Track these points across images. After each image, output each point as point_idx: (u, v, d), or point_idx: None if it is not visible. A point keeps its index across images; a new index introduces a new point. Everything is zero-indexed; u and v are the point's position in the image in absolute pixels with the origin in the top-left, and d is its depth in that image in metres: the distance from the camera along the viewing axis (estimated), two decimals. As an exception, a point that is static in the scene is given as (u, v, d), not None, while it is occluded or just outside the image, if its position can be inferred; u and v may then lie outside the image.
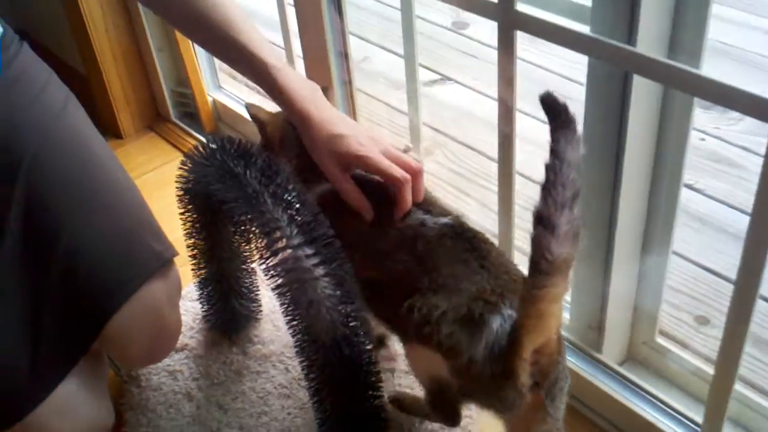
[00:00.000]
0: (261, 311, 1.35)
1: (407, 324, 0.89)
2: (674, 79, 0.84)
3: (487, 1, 0.97)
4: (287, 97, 0.96)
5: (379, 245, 0.95)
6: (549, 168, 0.72)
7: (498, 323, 0.83)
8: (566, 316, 1.22)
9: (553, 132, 0.73)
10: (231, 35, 0.98)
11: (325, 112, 0.96)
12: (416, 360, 0.96)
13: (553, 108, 0.74)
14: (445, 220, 0.95)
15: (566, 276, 0.75)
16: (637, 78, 0.89)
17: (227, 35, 0.98)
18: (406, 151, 0.97)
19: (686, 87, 0.85)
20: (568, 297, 1.21)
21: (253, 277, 1.29)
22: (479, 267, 0.89)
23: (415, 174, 0.95)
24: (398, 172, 0.93)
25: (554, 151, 0.72)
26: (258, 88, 1.03)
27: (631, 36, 0.86)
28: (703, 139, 1.84)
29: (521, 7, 0.94)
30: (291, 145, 1.07)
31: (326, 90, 1.01)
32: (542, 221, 0.72)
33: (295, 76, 0.98)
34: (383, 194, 0.96)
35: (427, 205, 0.98)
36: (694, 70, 0.81)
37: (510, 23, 0.96)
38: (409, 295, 0.89)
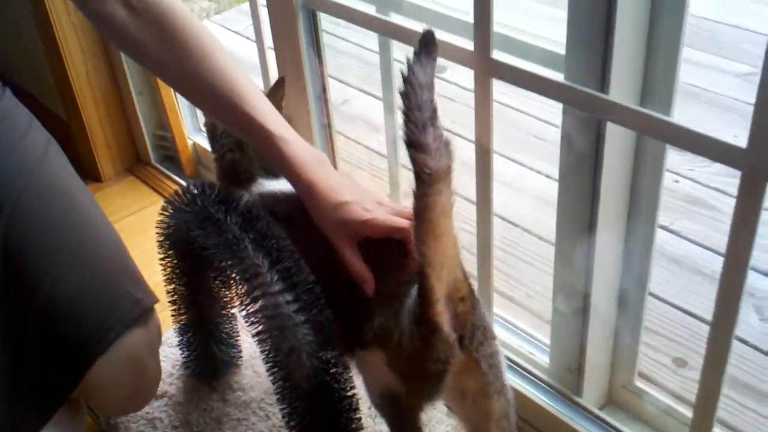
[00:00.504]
0: (241, 357, 1.34)
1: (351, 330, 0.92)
2: (646, 126, 0.86)
3: (463, 49, 0.99)
4: (292, 167, 0.93)
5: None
6: (404, 95, 0.76)
7: (413, 293, 0.84)
8: (545, 359, 1.22)
9: (415, 57, 0.77)
10: (235, 102, 0.94)
11: (330, 180, 0.93)
12: (365, 374, 0.97)
13: (428, 43, 0.79)
14: None
15: (449, 185, 0.78)
16: (611, 123, 0.91)
17: (232, 102, 0.94)
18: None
19: (658, 134, 0.87)
20: (546, 339, 1.22)
21: (233, 322, 1.29)
22: (402, 257, 0.89)
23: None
24: (404, 222, 0.90)
25: (407, 78, 0.76)
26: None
27: (603, 83, 0.88)
28: (677, 181, 1.87)
29: (497, 55, 0.97)
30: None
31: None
32: (413, 145, 0.75)
33: (300, 146, 0.95)
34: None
35: None
36: (665, 118, 0.83)
37: (486, 71, 0.98)
38: (351, 299, 0.92)
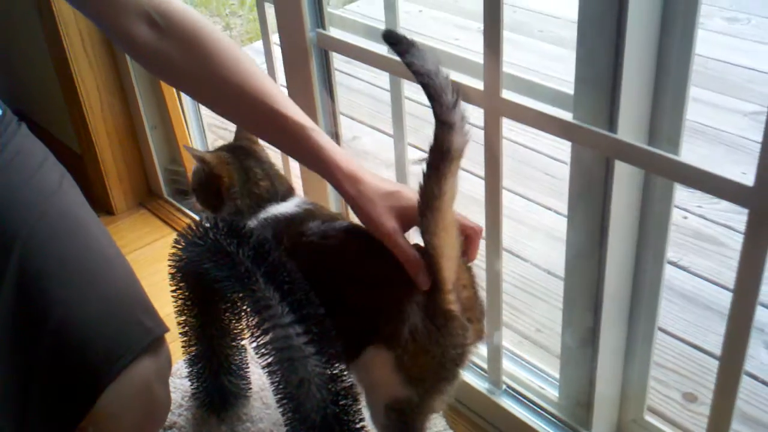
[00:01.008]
0: (250, 389, 1.34)
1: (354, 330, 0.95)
2: (654, 165, 0.87)
3: (474, 88, 1.01)
4: (331, 157, 0.92)
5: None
6: (424, 85, 0.82)
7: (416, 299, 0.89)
8: (554, 393, 1.22)
9: (403, 57, 0.83)
10: (266, 102, 0.93)
11: (367, 171, 0.93)
12: (369, 388, 0.99)
13: (394, 39, 0.84)
14: (343, 223, 1.03)
15: (458, 166, 0.85)
16: (619, 161, 0.92)
17: (263, 102, 0.93)
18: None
19: (665, 172, 0.88)
20: (556, 373, 1.22)
21: (242, 354, 1.30)
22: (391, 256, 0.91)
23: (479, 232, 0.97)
24: (471, 223, 0.94)
25: (417, 72, 0.82)
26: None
27: (612, 123, 0.89)
28: (685, 217, 1.88)
29: (506, 95, 0.98)
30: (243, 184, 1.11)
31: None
32: (443, 123, 0.82)
33: (330, 139, 0.95)
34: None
35: (320, 216, 1.06)
36: (673, 157, 0.85)
37: (496, 110, 1.00)
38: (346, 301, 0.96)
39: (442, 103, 0.81)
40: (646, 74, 0.88)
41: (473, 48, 1.08)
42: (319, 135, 0.93)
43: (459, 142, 0.83)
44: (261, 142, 1.17)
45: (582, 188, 1.00)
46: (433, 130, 0.83)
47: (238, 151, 1.15)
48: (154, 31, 0.92)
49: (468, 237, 0.95)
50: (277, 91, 0.96)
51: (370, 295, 0.95)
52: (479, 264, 1.78)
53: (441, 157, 0.83)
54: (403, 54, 0.82)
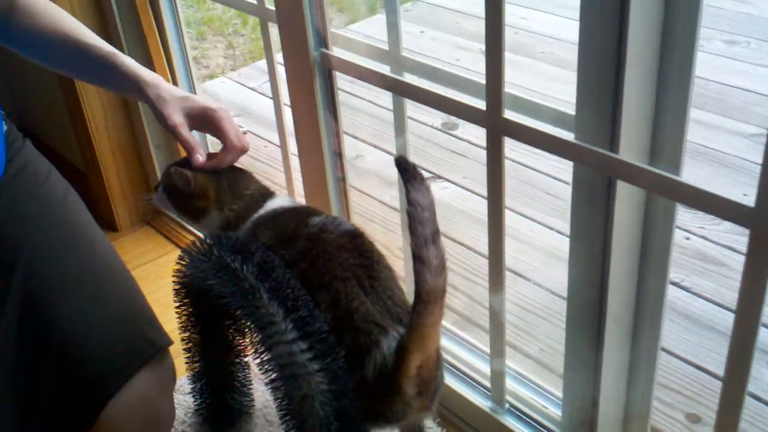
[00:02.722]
0: (253, 406, 1.34)
1: None
2: (656, 185, 0.88)
3: (476, 108, 1.02)
4: (135, 71, 1.10)
5: (289, 256, 1.03)
6: (409, 213, 0.88)
7: (386, 345, 0.94)
8: (557, 412, 1.22)
9: (407, 184, 0.90)
10: (79, 39, 1.12)
11: (169, 84, 1.11)
12: None
13: (404, 167, 0.92)
14: (347, 226, 1.06)
15: (442, 305, 0.90)
16: (621, 182, 0.93)
17: (76, 39, 1.11)
18: (244, 133, 1.15)
19: (667, 192, 0.89)
20: (559, 393, 1.22)
21: (246, 371, 1.30)
22: (369, 287, 0.99)
23: (243, 150, 1.12)
24: (236, 137, 1.10)
25: (410, 200, 0.88)
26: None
27: (613, 143, 0.90)
28: (688, 238, 1.88)
29: (508, 115, 0.99)
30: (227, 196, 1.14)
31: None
32: (417, 257, 0.87)
33: (134, 61, 1.12)
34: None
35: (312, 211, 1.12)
36: (674, 177, 0.85)
37: (498, 129, 1.01)
38: None
39: (418, 236, 0.86)
40: (646, 95, 0.89)
41: (474, 68, 1.09)
42: (124, 58, 1.12)
43: (431, 283, 0.87)
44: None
45: (584, 209, 1.01)
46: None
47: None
48: (9, 10, 1.11)
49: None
50: (89, 32, 1.14)
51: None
52: (482, 283, 1.78)
53: (418, 299, 0.88)
54: (407, 181, 0.90)
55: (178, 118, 1.08)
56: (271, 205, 1.13)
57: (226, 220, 1.13)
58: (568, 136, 0.95)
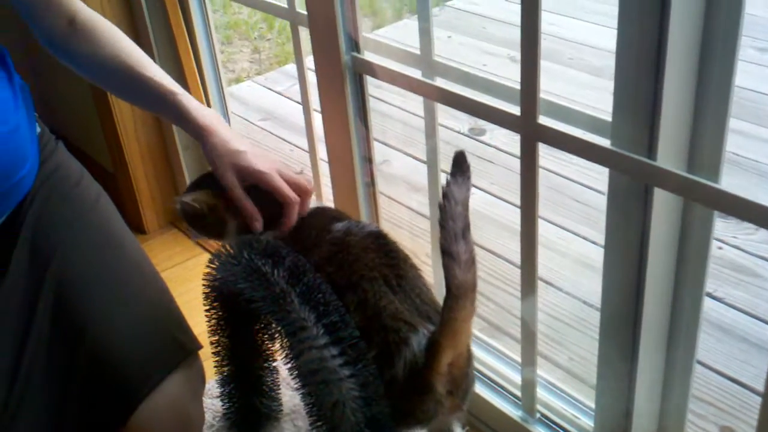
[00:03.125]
0: (281, 411, 1.34)
1: None
2: (694, 193, 0.86)
3: (510, 113, 1.01)
4: (190, 114, 1.07)
5: (313, 261, 1.02)
6: (441, 207, 0.87)
7: (416, 343, 0.93)
8: (589, 423, 1.20)
9: (451, 177, 0.89)
10: (137, 71, 1.10)
11: (226, 130, 1.07)
12: None
13: (460, 162, 0.91)
14: (371, 228, 1.06)
15: (473, 299, 0.89)
16: (658, 190, 0.91)
17: (134, 71, 1.10)
18: (299, 173, 1.10)
19: (706, 200, 0.87)
20: (590, 403, 1.20)
21: (274, 375, 1.29)
22: (397, 286, 0.99)
23: (305, 194, 1.07)
24: (290, 192, 1.05)
25: (445, 192, 0.87)
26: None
27: (651, 150, 0.89)
28: (721, 248, 1.86)
29: (543, 120, 0.98)
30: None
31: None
32: (446, 252, 0.86)
33: (195, 101, 1.10)
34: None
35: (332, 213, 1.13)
36: (714, 184, 0.84)
37: (532, 135, 1.00)
38: None
39: (449, 231, 0.86)
40: (685, 102, 0.88)
41: (501, 74, 1.09)
42: (181, 97, 1.09)
43: (460, 277, 0.86)
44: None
45: (619, 217, 0.99)
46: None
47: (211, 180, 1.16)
48: (69, 28, 1.11)
49: (300, 195, 1.05)
50: (149, 62, 1.13)
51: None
52: (511, 291, 1.76)
53: (449, 294, 0.87)
54: (452, 174, 0.90)
55: (231, 178, 1.05)
56: None
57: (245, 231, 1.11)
58: (604, 142, 0.93)
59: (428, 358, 0.92)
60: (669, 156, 0.89)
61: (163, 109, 1.12)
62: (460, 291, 0.87)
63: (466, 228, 0.87)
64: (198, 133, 1.07)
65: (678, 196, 0.92)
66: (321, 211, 1.14)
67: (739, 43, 0.83)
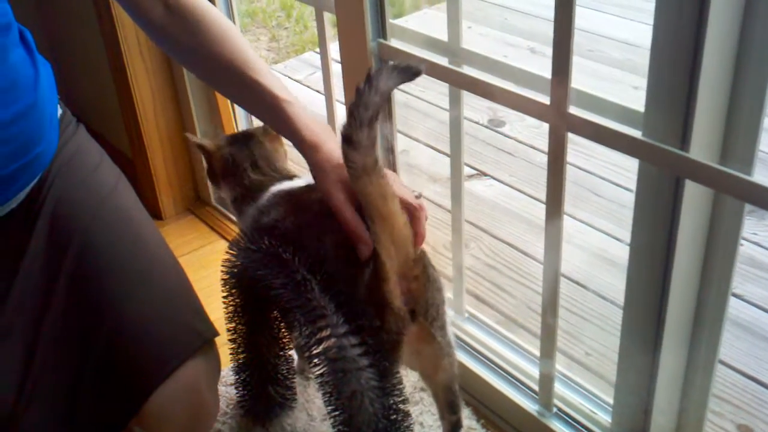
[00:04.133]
0: (296, 400, 1.33)
1: None
2: (727, 185, 0.85)
3: (539, 102, 1.00)
4: (296, 126, 0.98)
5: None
6: (358, 90, 0.82)
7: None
8: (607, 418, 1.19)
9: (388, 67, 0.84)
10: (246, 73, 1.02)
11: (333, 143, 0.97)
12: None
13: (412, 66, 0.86)
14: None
15: (378, 174, 0.86)
16: (689, 184, 0.90)
17: (243, 73, 1.02)
18: (418, 196, 1.00)
19: (739, 193, 0.85)
20: (608, 399, 1.19)
21: (290, 364, 1.29)
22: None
23: (416, 218, 0.96)
24: (415, 202, 0.96)
25: (370, 78, 0.82)
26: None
27: (684, 142, 0.87)
28: (741, 244, 1.83)
29: (573, 110, 0.97)
30: (232, 173, 1.17)
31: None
32: (346, 140, 0.84)
33: (304, 110, 1.01)
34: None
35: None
36: (748, 177, 0.82)
37: (561, 125, 0.98)
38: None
39: (354, 116, 0.82)
40: (721, 95, 0.86)
41: (521, 65, 1.07)
42: (290, 106, 1.00)
43: (359, 161, 0.84)
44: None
45: (648, 211, 0.97)
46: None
47: (240, 140, 1.21)
48: (167, 12, 1.03)
49: (410, 215, 0.94)
50: (260, 65, 1.04)
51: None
52: (527, 283, 1.75)
53: (350, 174, 0.86)
54: (396, 68, 0.85)
55: (340, 195, 0.93)
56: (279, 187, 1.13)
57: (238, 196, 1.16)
58: (635, 134, 0.92)
59: (373, 269, 0.91)
60: (702, 148, 0.87)
61: (268, 117, 1.04)
62: (359, 171, 0.85)
63: (374, 117, 0.83)
64: (303, 148, 0.98)
65: (709, 189, 0.90)
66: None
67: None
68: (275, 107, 0.99)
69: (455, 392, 1.08)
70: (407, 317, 0.94)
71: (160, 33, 1.05)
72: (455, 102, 1.21)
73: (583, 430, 1.20)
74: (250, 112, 1.14)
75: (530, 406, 1.26)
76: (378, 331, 0.93)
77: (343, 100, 1.38)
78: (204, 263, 1.79)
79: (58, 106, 1.13)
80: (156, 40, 1.09)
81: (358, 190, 0.87)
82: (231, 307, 1.18)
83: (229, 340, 1.22)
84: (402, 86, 0.89)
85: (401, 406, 0.95)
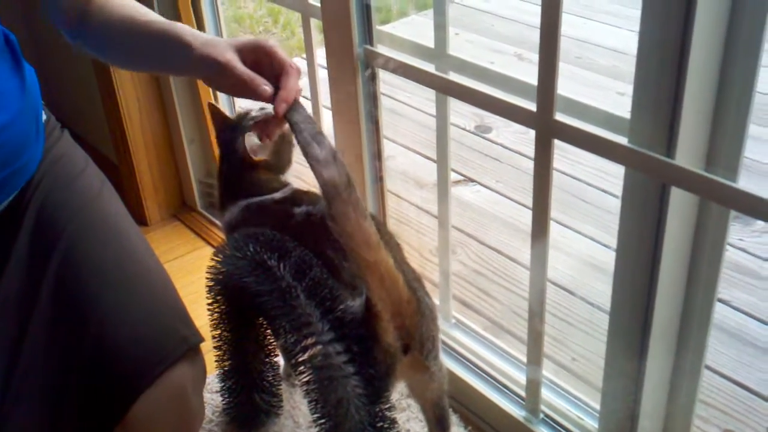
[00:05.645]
0: (282, 407, 1.32)
1: None
2: (713, 192, 0.85)
3: (525, 109, 1.00)
4: (188, 33, 0.98)
5: None
6: (292, 126, 0.90)
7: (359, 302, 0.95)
8: (594, 424, 1.19)
9: (294, 106, 0.91)
10: (140, 20, 1.02)
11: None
12: None
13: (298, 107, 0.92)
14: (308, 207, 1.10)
15: (352, 192, 0.88)
16: (675, 190, 0.90)
17: (138, 22, 1.02)
18: None
19: (725, 200, 0.86)
20: (595, 404, 1.19)
21: (275, 371, 1.28)
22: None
23: (299, 72, 0.99)
24: (290, 59, 0.97)
25: (294, 123, 0.90)
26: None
27: (669, 148, 0.87)
28: (726, 250, 1.84)
29: (559, 117, 0.97)
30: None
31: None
32: (306, 156, 0.87)
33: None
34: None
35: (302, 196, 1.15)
36: (733, 184, 0.82)
37: (548, 131, 0.98)
38: None
39: (302, 140, 0.87)
40: (706, 102, 0.86)
41: (508, 72, 1.08)
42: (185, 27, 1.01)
43: (326, 175, 0.86)
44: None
45: (634, 218, 0.97)
46: None
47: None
48: (86, 6, 1.03)
49: (285, 72, 0.96)
50: (149, 12, 1.04)
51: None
52: (513, 288, 1.74)
53: (322, 193, 0.88)
54: (294, 107, 0.91)
55: (230, 55, 0.96)
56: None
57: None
58: (621, 140, 0.92)
59: (366, 306, 0.93)
60: (688, 155, 0.88)
61: (168, 49, 1.02)
62: (330, 188, 0.86)
63: (317, 134, 0.88)
64: (196, 54, 0.97)
65: (695, 195, 0.91)
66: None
67: (764, 41, 0.82)
68: (168, 32, 1.00)
69: (444, 407, 1.09)
70: (399, 353, 0.95)
71: (77, 27, 1.06)
72: (442, 108, 1.21)
73: (569, 436, 1.20)
74: (153, 64, 1.12)
75: (517, 412, 1.26)
76: (372, 362, 0.94)
77: (329, 105, 1.38)
78: (190, 269, 1.78)
79: (43, 111, 1.13)
80: (72, 36, 1.08)
81: (337, 232, 0.88)
82: (216, 314, 1.18)
83: (215, 347, 1.22)
84: (389, 92, 0.90)
85: (388, 413, 0.95)
